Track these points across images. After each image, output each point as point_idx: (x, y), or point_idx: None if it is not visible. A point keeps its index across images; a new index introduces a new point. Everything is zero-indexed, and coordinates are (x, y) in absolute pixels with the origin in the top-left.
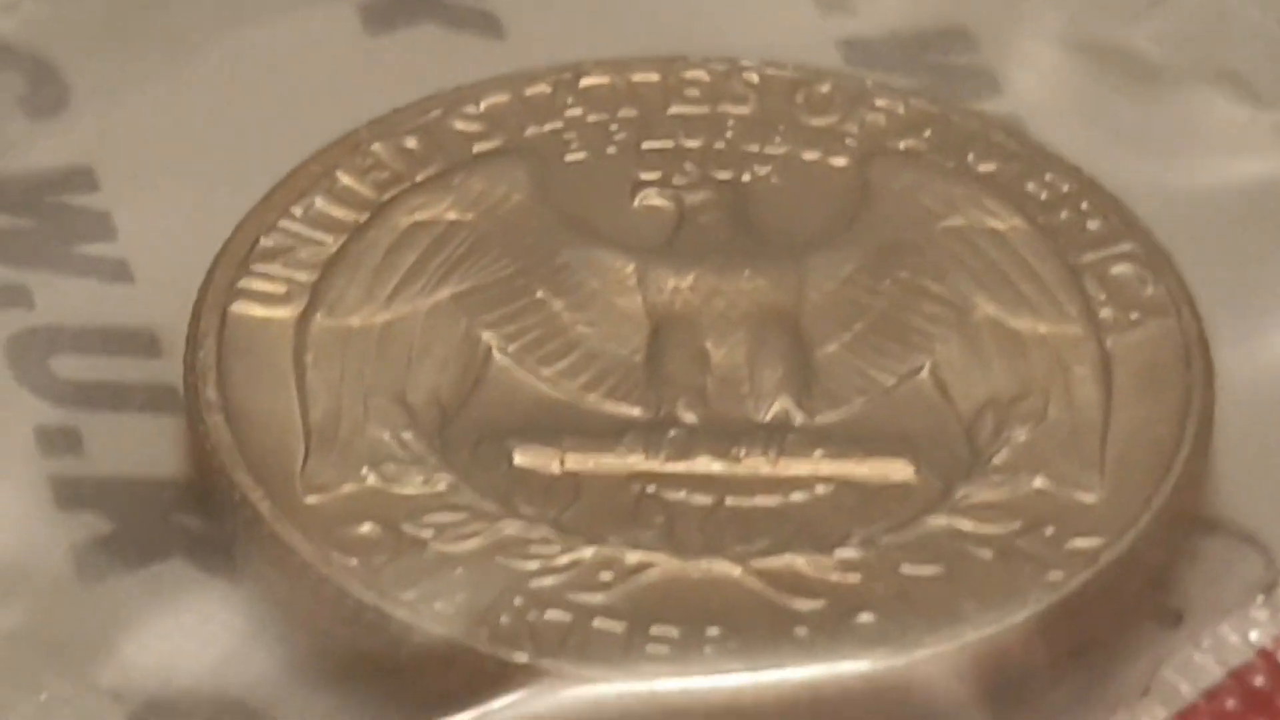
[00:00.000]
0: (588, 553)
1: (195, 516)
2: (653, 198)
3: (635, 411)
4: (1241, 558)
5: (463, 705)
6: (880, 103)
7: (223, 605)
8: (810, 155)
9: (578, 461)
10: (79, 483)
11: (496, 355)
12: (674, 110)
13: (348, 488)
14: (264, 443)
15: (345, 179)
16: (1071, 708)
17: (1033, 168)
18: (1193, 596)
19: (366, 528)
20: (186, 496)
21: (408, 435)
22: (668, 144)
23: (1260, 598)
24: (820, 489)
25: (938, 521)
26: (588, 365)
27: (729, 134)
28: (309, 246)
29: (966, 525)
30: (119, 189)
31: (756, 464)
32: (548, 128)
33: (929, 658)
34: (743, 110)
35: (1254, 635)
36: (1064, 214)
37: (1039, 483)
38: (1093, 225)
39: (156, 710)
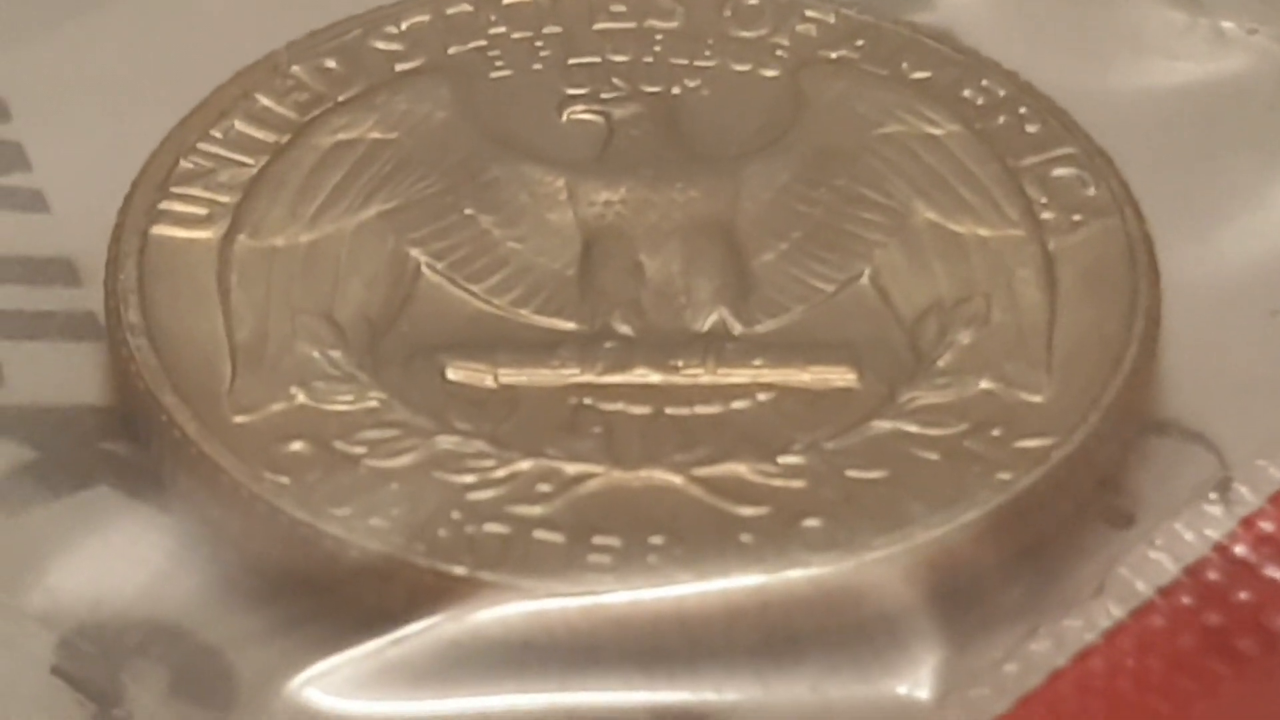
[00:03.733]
0: (525, 465)
1: (121, 442)
2: (581, 113)
3: (569, 325)
4: (1191, 457)
5: (401, 621)
6: (810, 13)
7: (151, 529)
8: (741, 67)
9: (512, 375)
10: (0, 412)
11: (426, 272)
12: (600, 25)
13: (277, 406)
14: (189, 364)
15: (265, 100)
16: (1023, 608)
17: (968, 73)
18: (1144, 497)
19: (297, 446)
20: (111, 422)
21: (336, 353)
22: (595, 59)
23: (1213, 494)
24: (762, 396)
25: (882, 425)
26: (520, 280)
27: (657, 48)
28: (230, 168)
29: (912, 428)
30: (32, 120)
31: (695, 374)
32: (471, 45)
33: (877, 561)
34: (670, 25)
35: (1208, 533)
36: (1002, 119)
37: (985, 384)
38: (1031, 129)
39: (86, 635)
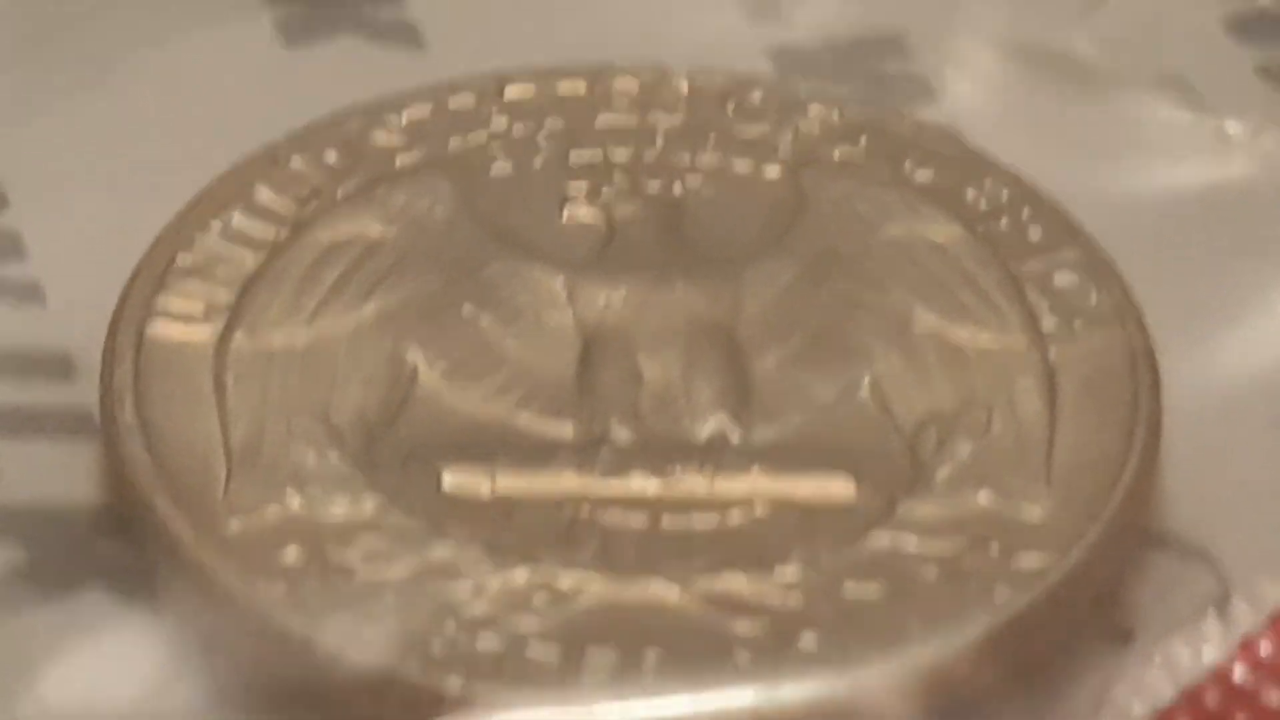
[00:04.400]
0: (520, 576)
1: (114, 544)
2: (582, 211)
3: (567, 430)
4: (1192, 573)
5: None
6: (813, 110)
7: (144, 636)
8: (742, 166)
9: (509, 483)
10: None
11: (423, 374)
12: (602, 121)
13: (271, 511)
14: (184, 466)
15: (264, 194)
16: None
17: (970, 174)
18: (1143, 613)
19: (291, 554)
20: (104, 524)
21: (333, 455)
22: (596, 155)
23: (1212, 612)
24: (759, 509)
25: (880, 540)
26: (517, 383)
27: (659, 145)
28: (228, 264)
29: (910, 543)
30: (29, 207)
31: (693, 483)
32: (472, 140)
33: (873, 680)
34: (673, 120)
35: (1206, 652)
36: (1004, 222)
37: (983, 498)
38: (1034, 233)
39: None
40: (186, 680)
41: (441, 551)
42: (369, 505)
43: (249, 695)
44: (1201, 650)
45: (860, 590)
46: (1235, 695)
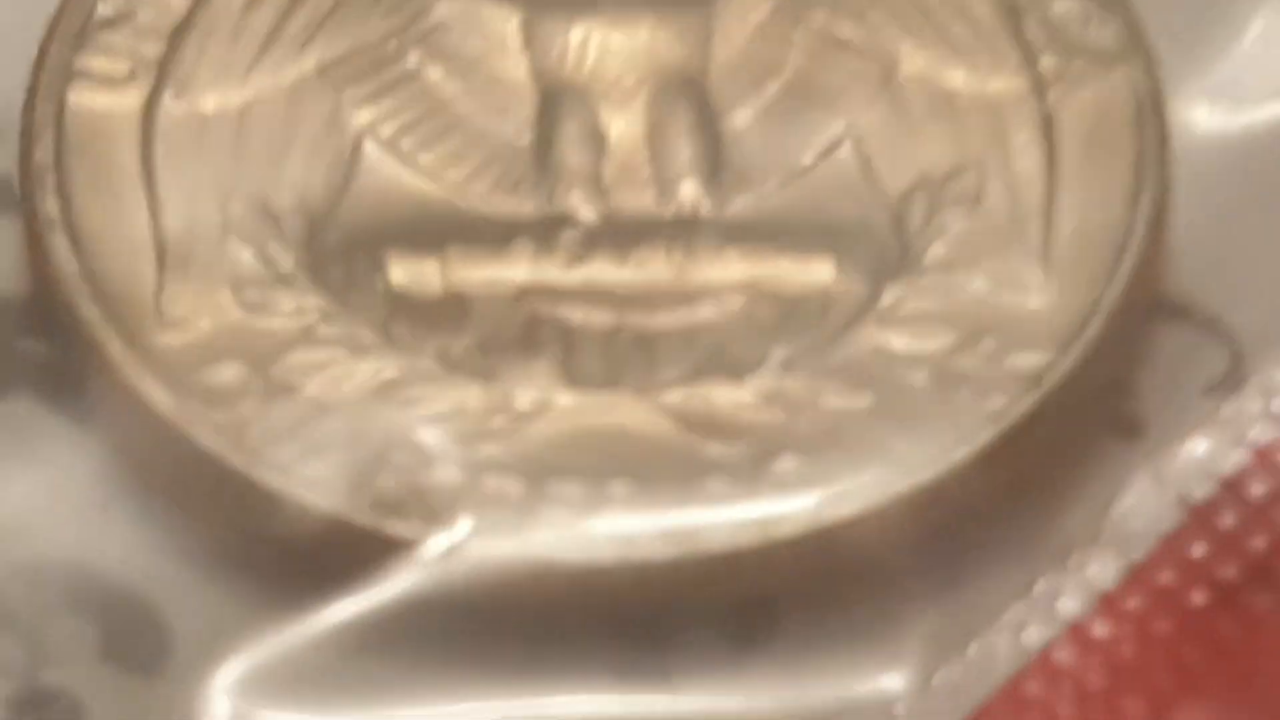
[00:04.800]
0: (476, 394)
1: (40, 340)
2: None
3: (525, 206)
4: (1203, 348)
5: (344, 579)
6: None
7: (77, 452)
8: None
9: (462, 274)
10: None
11: (369, 144)
12: None
13: (206, 321)
14: (111, 267)
15: None
16: (1020, 554)
17: None
18: (1151, 399)
19: (231, 371)
20: (28, 318)
21: (273, 249)
22: None
23: (1225, 405)
24: (732, 300)
25: (864, 337)
26: (470, 151)
27: None
28: (153, 9)
29: (897, 341)
30: None
31: (660, 269)
32: None
33: (857, 505)
34: None
35: (1217, 459)
36: None
37: (976, 284)
38: None
39: (16, 577)
40: (122, 506)
41: (390, 368)
42: (313, 310)
43: (189, 530)
44: (1212, 459)
45: (842, 400)
46: (1250, 512)
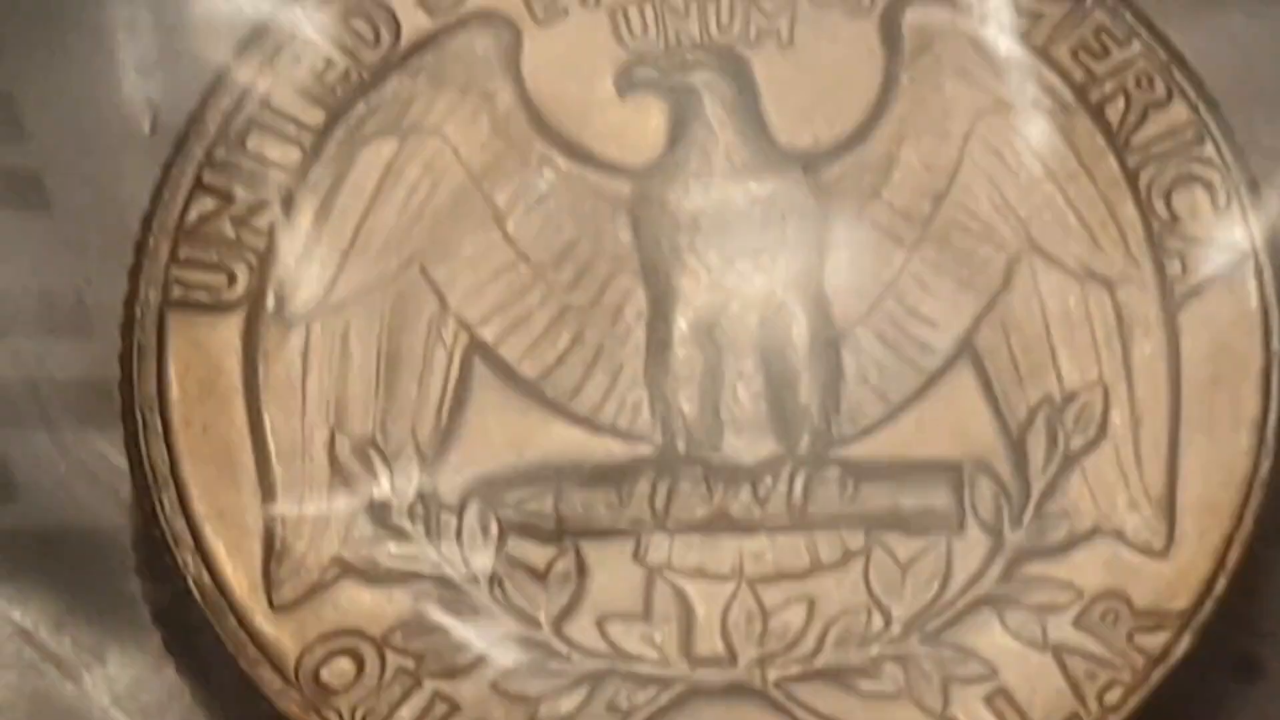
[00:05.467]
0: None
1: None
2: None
3: (641, 447)
4: None
5: None
6: None
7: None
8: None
9: (577, 524)
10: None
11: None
12: None
13: (318, 600)
14: (219, 539)
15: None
16: None
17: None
18: (1270, 631)
19: (343, 662)
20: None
21: (383, 500)
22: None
23: None
24: (852, 565)
25: (984, 616)
26: (585, 376)
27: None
28: (245, 205)
29: (1018, 623)
30: None
31: (779, 509)
32: None
33: None
34: None
35: None
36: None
37: (1099, 543)
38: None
39: None
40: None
41: (506, 656)
42: (426, 576)
43: None
44: None
45: (964, 674)
46: None
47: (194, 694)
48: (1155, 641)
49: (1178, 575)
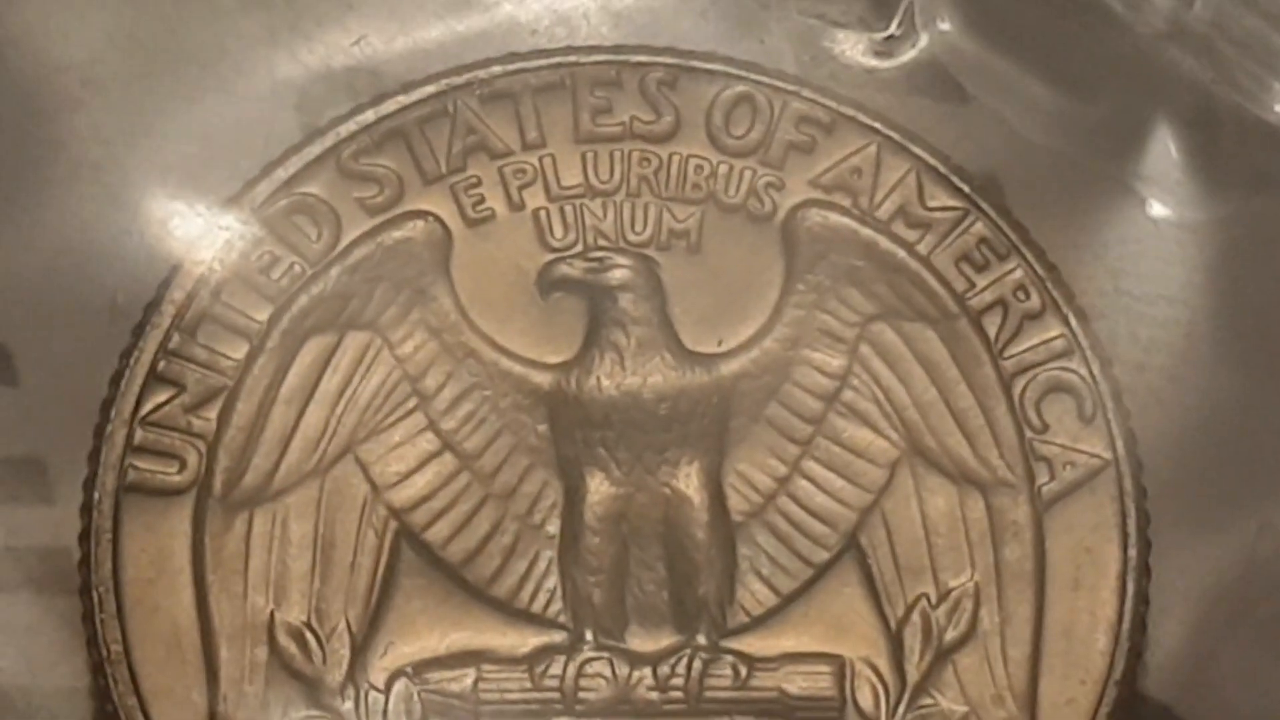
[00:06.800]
0: None
1: None
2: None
3: (554, 634)
4: None
5: None
6: None
7: None
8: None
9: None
10: None
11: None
12: None
13: None
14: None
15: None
16: None
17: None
18: None
19: None
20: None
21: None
22: None
23: None
24: None
25: None
26: (499, 538)
27: None
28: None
29: None
30: None
31: (677, 696)
32: None
33: None
34: None
35: None
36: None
37: None
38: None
39: None
40: None
41: None
42: None
43: None
44: None
45: None
46: None
47: None
48: None
49: None
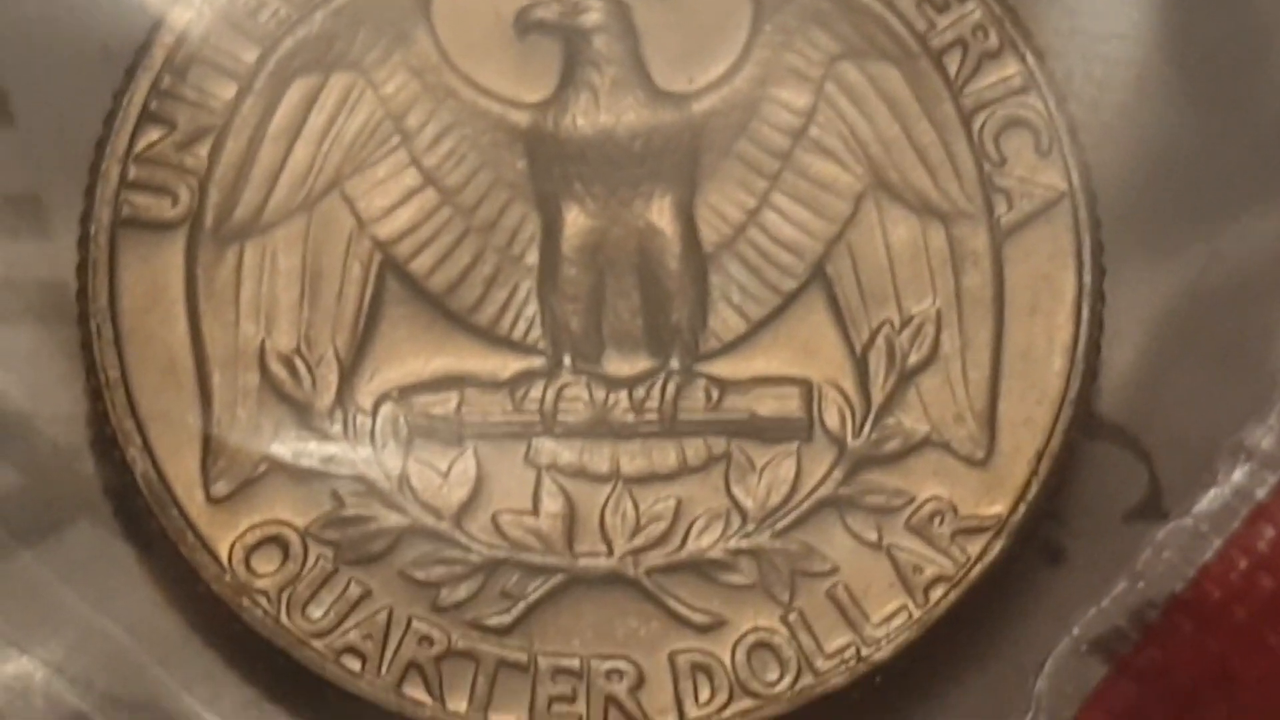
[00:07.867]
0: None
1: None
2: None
3: (534, 359)
4: (1122, 470)
5: None
6: None
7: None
8: None
9: (478, 425)
10: None
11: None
12: None
13: (250, 492)
14: (161, 439)
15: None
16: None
17: None
18: (1072, 522)
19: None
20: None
21: (307, 403)
22: None
23: (1147, 553)
24: (715, 468)
25: (830, 514)
26: (480, 267)
27: None
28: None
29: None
30: None
31: (651, 418)
32: None
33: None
34: None
35: (1135, 614)
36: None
37: (929, 456)
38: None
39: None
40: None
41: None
42: (344, 475)
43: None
44: (1130, 613)
45: (808, 564)
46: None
47: (141, 572)
48: (975, 543)
49: (996, 483)
